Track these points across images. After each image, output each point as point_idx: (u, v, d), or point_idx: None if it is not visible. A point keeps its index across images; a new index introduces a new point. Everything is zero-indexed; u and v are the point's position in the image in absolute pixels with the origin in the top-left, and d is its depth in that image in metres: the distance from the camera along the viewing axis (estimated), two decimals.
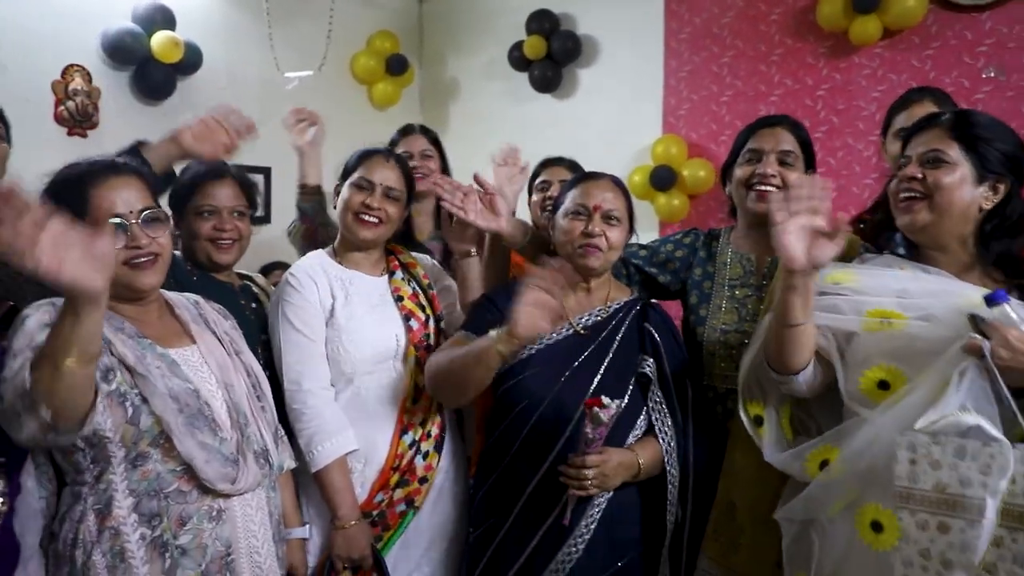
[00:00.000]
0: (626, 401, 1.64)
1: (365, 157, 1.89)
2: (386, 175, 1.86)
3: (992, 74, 3.04)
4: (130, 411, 1.28)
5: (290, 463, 1.62)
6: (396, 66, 4.41)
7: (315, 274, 1.81)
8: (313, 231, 2.29)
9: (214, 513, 1.35)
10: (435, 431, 1.85)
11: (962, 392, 1.20)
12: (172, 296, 1.53)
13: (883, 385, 1.34)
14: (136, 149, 1.80)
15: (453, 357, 1.60)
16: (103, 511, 1.29)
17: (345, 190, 1.86)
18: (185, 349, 1.43)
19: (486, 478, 1.73)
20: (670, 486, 1.65)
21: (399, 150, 2.35)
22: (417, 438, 1.81)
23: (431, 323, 1.90)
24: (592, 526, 1.61)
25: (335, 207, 1.92)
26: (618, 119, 3.96)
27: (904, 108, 2.09)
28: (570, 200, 1.76)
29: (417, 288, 1.93)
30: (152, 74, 3.45)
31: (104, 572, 1.27)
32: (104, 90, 3.39)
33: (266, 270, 2.95)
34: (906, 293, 1.37)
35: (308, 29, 4.06)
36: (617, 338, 1.72)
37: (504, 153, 2.08)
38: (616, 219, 1.73)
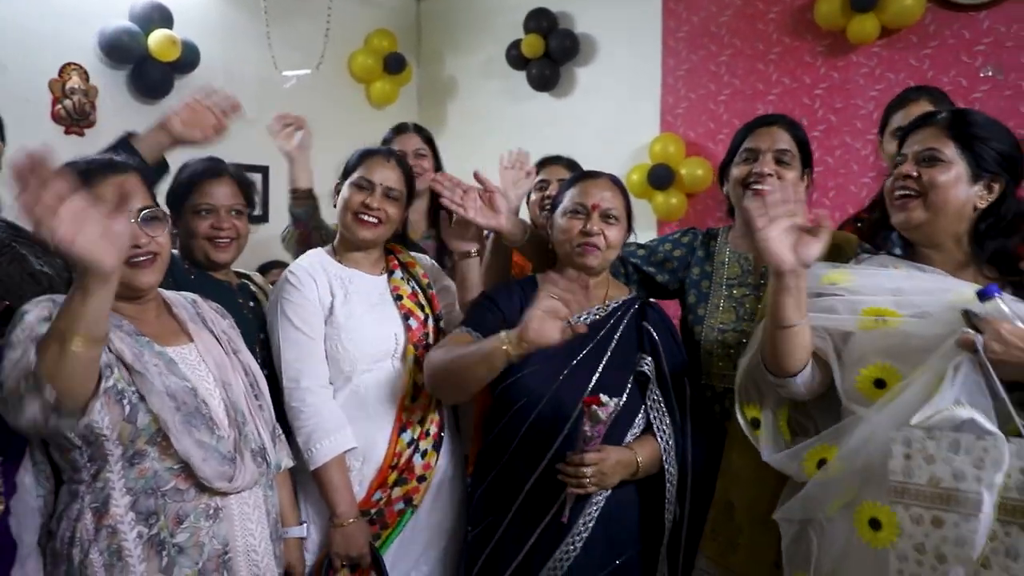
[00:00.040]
0: (624, 399, 1.65)
1: (366, 157, 1.89)
2: (386, 175, 1.86)
3: (990, 73, 3.04)
4: (127, 409, 1.28)
5: (288, 462, 1.62)
6: (394, 65, 4.41)
7: (315, 272, 1.81)
8: (307, 236, 2.28)
9: (211, 511, 1.35)
10: (434, 430, 1.85)
11: (956, 387, 1.20)
12: (170, 295, 1.53)
13: (879, 384, 1.34)
14: (126, 141, 1.80)
15: (456, 355, 1.60)
16: (100, 509, 1.29)
17: (345, 189, 1.86)
18: (183, 348, 1.43)
19: (484, 476, 1.73)
20: (668, 485, 1.65)
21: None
22: (416, 436, 1.81)
23: (430, 322, 1.90)
24: (590, 524, 1.61)
25: (334, 206, 1.92)
26: (616, 118, 3.97)
27: (901, 107, 2.09)
28: (569, 199, 1.76)
29: (416, 287, 1.94)
30: (149, 73, 3.45)
31: (101, 570, 1.27)
32: (101, 89, 3.39)
33: (264, 269, 2.95)
34: (901, 291, 1.37)
35: (306, 28, 4.06)
36: (615, 337, 1.72)
37: (512, 157, 2.05)
38: (614, 218, 1.73)
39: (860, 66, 3.33)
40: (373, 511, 1.77)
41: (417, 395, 1.82)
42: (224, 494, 1.36)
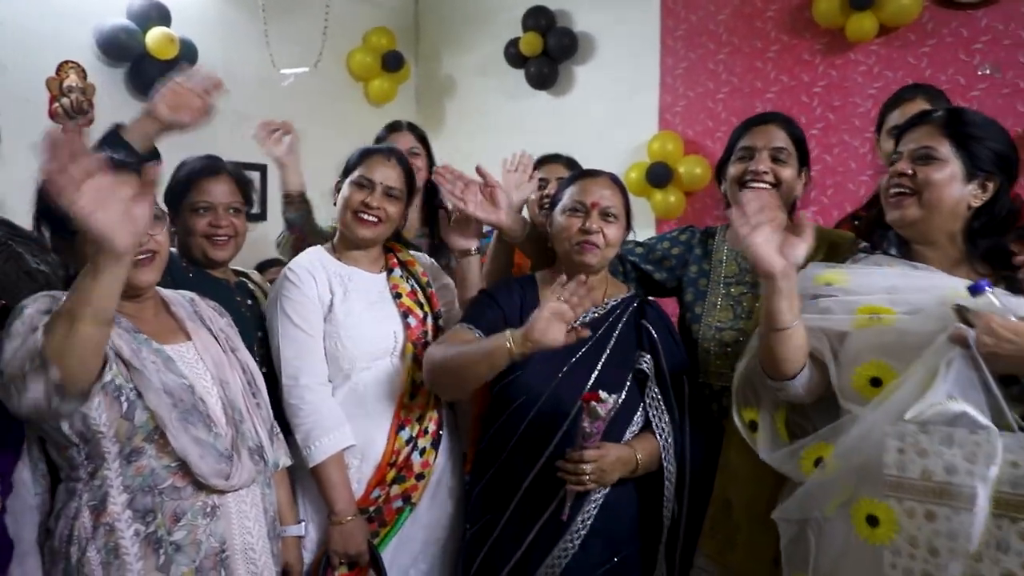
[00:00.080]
0: (623, 397, 1.65)
1: (366, 155, 1.89)
2: (387, 174, 1.86)
3: (988, 71, 3.04)
4: (125, 406, 1.28)
5: (286, 460, 1.62)
6: (392, 63, 4.41)
7: (314, 269, 1.81)
8: (302, 240, 2.27)
9: (208, 509, 1.35)
10: (432, 427, 1.85)
11: (949, 381, 1.21)
12: (168, 293, 1.53)
13: (875, 382, 1.35)
14: (116, 133, 1.79)
15: (457, 351, 1.60)
16: (98, 507, 1.29)
17: (345, 188, 1.86)
18: (180, 345, 1.43)
19: (483, 474, 1.73)
20: (667, 482, 1.66)
21: None
22: (414, 434, 1.82)
23: (429, 320, 1.90)
24: (589, 521, 1.62)
25: (334, 204, 1.92)
26: (614, 116, 3.96)
27: (897, 106, 2.10)
28: (568, 197, 1.76)
29: (415, 286, 1.94)
30: (147, 70, 3.44)
31: (99, 568, 1.27)
32: (99, 86, 3.39)
33: (262, 267, 2.95)
34: (895, 289, 1.38)
35: (304, 25, 4.05)
36: (614, 334, 1.72)
37: (516, 160, 2.03)
38: (613, 216, 1.73)
39: (858, 64, 3.33)
40: (371, 509, 1.77)
41: (416, 393, 1.82)
42: (221, 492, 1.37)
